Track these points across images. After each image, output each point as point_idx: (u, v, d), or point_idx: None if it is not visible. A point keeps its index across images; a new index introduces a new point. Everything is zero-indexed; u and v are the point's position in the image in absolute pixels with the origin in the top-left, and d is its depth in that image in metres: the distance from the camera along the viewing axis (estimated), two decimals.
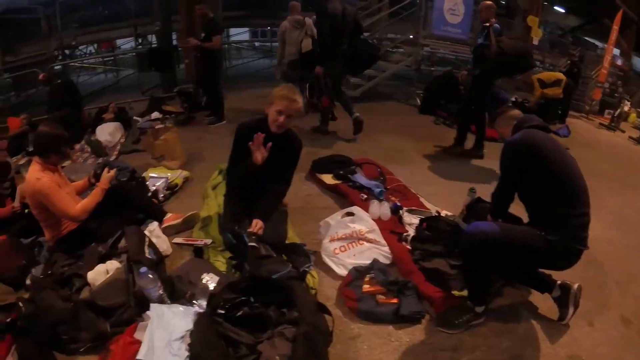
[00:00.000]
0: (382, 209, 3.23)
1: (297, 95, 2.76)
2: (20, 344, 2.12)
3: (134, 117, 7.22)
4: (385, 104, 7.82)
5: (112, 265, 2.66)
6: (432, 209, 3.43)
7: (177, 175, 4.60)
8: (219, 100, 6.86)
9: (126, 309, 2.40)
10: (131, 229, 3.15)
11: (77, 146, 6.13)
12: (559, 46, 12.30)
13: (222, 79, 6.89)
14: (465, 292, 2.33)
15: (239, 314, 2.14)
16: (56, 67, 9.37)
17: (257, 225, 2.75)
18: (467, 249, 2.12)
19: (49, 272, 2.87)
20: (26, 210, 3.74)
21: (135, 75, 11.07)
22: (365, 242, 2.75)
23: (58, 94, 6.51)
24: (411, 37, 8.64)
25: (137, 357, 1.96)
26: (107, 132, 6.14)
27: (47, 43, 9.16)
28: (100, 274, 2.57)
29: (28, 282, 2.93)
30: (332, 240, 2.76)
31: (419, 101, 7.79)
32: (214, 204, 3.76)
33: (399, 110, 7.56)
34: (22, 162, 5.76)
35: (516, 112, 2.45)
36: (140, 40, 10.81)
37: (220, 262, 2.90)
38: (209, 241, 3.16)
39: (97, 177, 3.27)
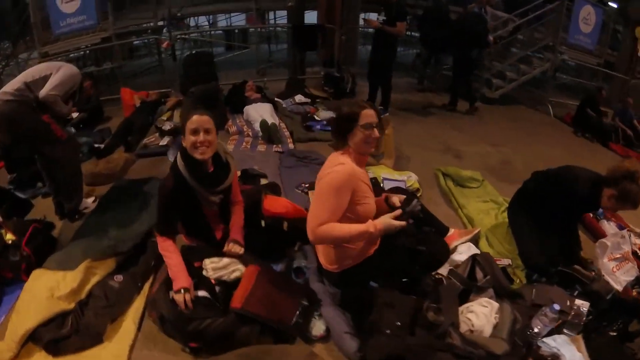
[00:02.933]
0: (612, 228, 3.23)
1: None
2: None
3: (275, 99, 5.96)
4: (516, 108, 7.37)
5: (492, 305, 2.05)
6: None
7: (412, 179, 3.65)
8: (388, 84, 5.70)
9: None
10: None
11: (232, 127, 4.90)
12: None
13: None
14: None
15: None
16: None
17: None
18: None
19: (398, 322, 1.82)
20: (263, 223, 2.58)
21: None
22: (629, 262, 2.79)
23: (198, 65, 5.26)
24: (550, 43, 7.88)
25: None
26: (268, 114, 4.89)
27: (154, 11, 7.96)
28: (484, 317, 1.97)
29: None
30: (610, 259, 2.78)
31: (551, 109, 7.30)
32: (475, 217, 3.24)
33: (529, 117, 7.05)
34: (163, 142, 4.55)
35: None
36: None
37: None
38: (509, 261, 2.76)
39: (407, 213, 1.93)
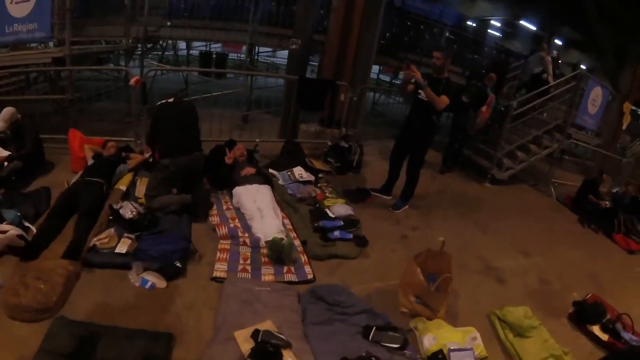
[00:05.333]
0: None
1: None
2: None
3: (270, 171, 4.78)
4: (519, 188, 7.12)
5: None
6: None
7: (478, 342, 2.88)
8: (417, 175, 4.68)
9: None
10: None
11: (221, 227, 3.63)
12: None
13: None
14: None
15: None
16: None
17: None
18: None
19: None
20: None
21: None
22: None
23: (177, 123, 3.89)
24: (558, 123, 7.54)
25: None
26: (269, 205, 3.78)
27: (126, 28, 6.52)
28: None
29: None
30: None
31: (553, 191, 7.09)
32: None
33: (534, 201, 6.82)
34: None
35: None
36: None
37: None
38: None
39: None
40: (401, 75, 4.37)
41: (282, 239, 3.26)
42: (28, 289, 2.54)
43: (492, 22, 18.64)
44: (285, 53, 10.33)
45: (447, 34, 10.87)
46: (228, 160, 4.47)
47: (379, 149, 6.75)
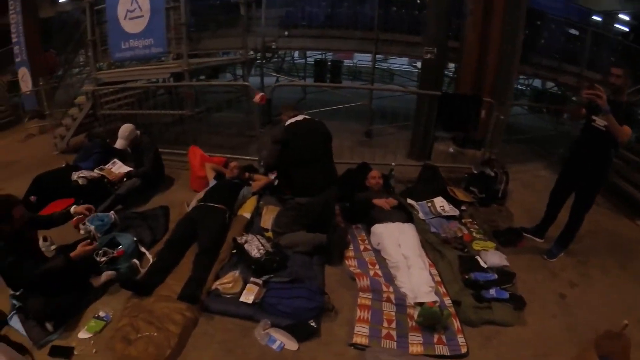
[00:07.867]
0: None
1: None
2: None
3: (408, 200, 4.14)
4: None
5: None
6: None
7: None
8: (582, 219, 3.65)
9: None
10: None
11: (362, 277, 3.05)
12: None
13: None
14: None
15: None
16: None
17: None
18: None
19: None
20: None
21: None
22: None
23: (310, 156, 3.28)
24: None
25: None
26: (415, 250, 3.21)
27: (242, 40, 6.30)
28: None
29: None
30: None
31: None
32: None
33: None
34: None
35: None
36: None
37: None
38: None
39: None
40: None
41: (436, 303, 2.60)
42: (139, 334, 2.32)
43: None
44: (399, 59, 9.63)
45: (579, 32, 9.20)
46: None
47: (519, 173, 5.73)
